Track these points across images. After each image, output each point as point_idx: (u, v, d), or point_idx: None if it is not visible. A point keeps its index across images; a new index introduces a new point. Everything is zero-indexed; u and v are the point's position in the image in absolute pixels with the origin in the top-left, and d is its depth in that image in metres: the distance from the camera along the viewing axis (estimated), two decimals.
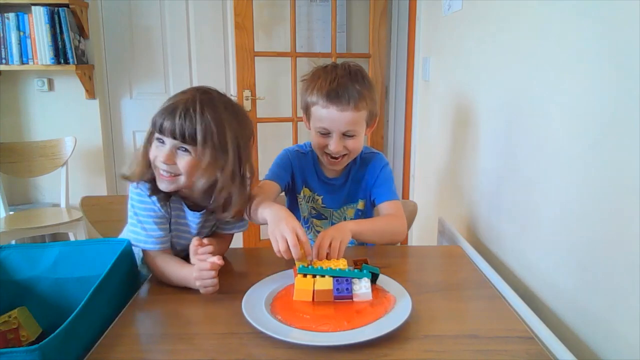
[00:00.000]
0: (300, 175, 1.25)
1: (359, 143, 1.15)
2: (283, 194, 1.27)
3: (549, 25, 0.96)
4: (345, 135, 1.11)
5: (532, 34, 1.03)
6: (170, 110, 0.91)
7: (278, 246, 0.90)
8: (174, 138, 0.91)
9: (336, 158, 1.15)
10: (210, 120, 0.91)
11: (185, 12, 2.70)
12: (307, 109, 1.16)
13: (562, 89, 0.91)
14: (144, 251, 1.00)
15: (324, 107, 1.09)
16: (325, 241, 0.96)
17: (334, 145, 1.11)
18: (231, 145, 0.94)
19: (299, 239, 0.90)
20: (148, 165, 0.97)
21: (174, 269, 0.96)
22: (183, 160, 0.93)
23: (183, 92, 0.95)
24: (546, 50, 0.97)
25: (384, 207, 1.19)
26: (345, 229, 1.03)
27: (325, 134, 1.12)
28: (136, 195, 1.00)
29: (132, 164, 0.99)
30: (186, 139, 0.90)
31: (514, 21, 1.13)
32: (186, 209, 1.03)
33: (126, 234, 1.03)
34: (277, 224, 0.93)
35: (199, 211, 1.03)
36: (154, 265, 0.99)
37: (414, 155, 2.26)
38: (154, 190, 0.98)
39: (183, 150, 0.92)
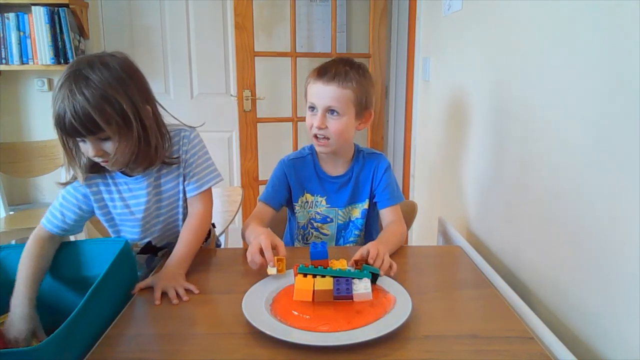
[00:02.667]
0: (298, 183, 1.26)
1: (342, 125, 1.15)
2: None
3: (549, 25, 0.96)
4: (329, 112, 1.14)
5: (532, 34, 1.03)
6: (61, 119, 0.91)
7: (250, 250, 0.98)
8: (86, 136, 0.92)
9: (320, 139, 1.17)
10: (96, 104, 0.89)
11: (185, 12, 2.69)
12: (305, 93, 1.21)
13: (561, 89, 0.91)
14: None
15: (313, 83, 1.15)
16: (373, 250, 0.99)
17: (317, 120, 1.14)
18: (129, 109, 0.94)
19: (274, 247, 0.97)
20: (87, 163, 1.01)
21: None
22: (108, 146, 0.94)
23: (59, 90, 0.93)
24: (546, 50, 0.97)
25: (385, 213, 1.24)
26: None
27: (313, 110, 1.16)
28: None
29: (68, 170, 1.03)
30: (94, 132, 0.91)
31: (514, 21, 1.13)
32: (127, 178, 1.06)
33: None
34: (255, 238, 1.01)
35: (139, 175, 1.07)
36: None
37: (414, 155, 2.26)
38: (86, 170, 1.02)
39: (102, 140, 0.94)
